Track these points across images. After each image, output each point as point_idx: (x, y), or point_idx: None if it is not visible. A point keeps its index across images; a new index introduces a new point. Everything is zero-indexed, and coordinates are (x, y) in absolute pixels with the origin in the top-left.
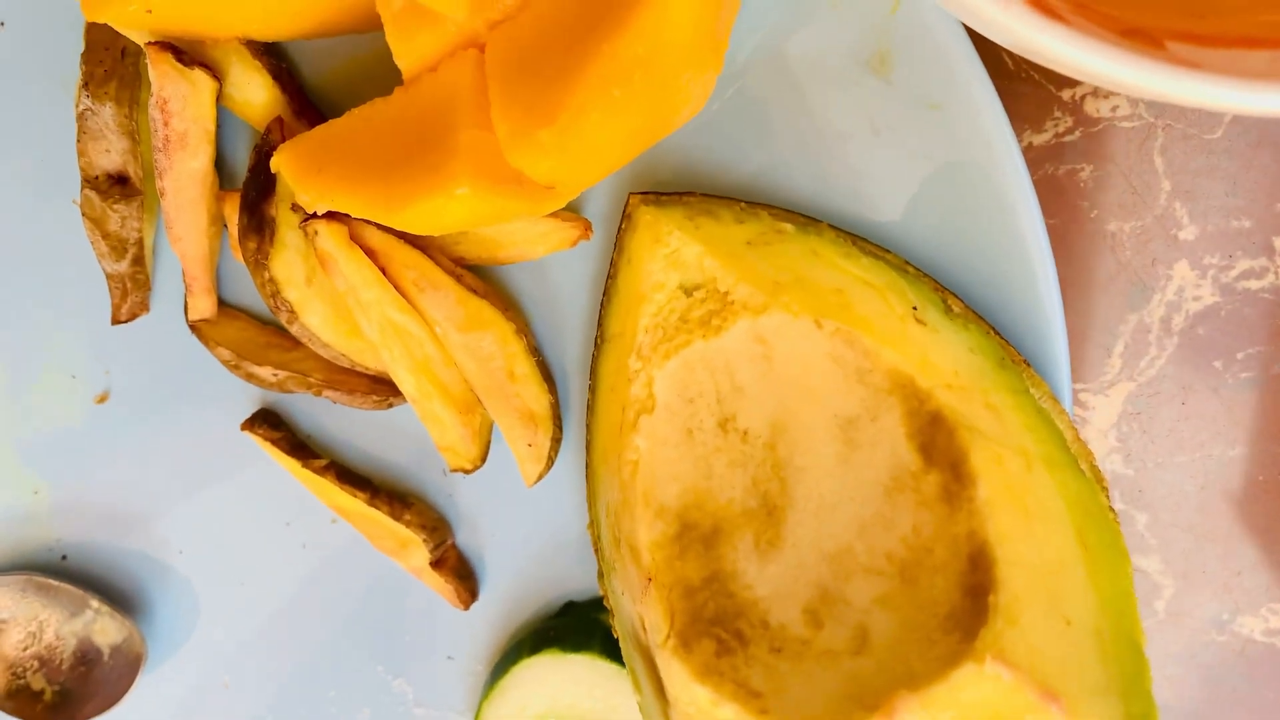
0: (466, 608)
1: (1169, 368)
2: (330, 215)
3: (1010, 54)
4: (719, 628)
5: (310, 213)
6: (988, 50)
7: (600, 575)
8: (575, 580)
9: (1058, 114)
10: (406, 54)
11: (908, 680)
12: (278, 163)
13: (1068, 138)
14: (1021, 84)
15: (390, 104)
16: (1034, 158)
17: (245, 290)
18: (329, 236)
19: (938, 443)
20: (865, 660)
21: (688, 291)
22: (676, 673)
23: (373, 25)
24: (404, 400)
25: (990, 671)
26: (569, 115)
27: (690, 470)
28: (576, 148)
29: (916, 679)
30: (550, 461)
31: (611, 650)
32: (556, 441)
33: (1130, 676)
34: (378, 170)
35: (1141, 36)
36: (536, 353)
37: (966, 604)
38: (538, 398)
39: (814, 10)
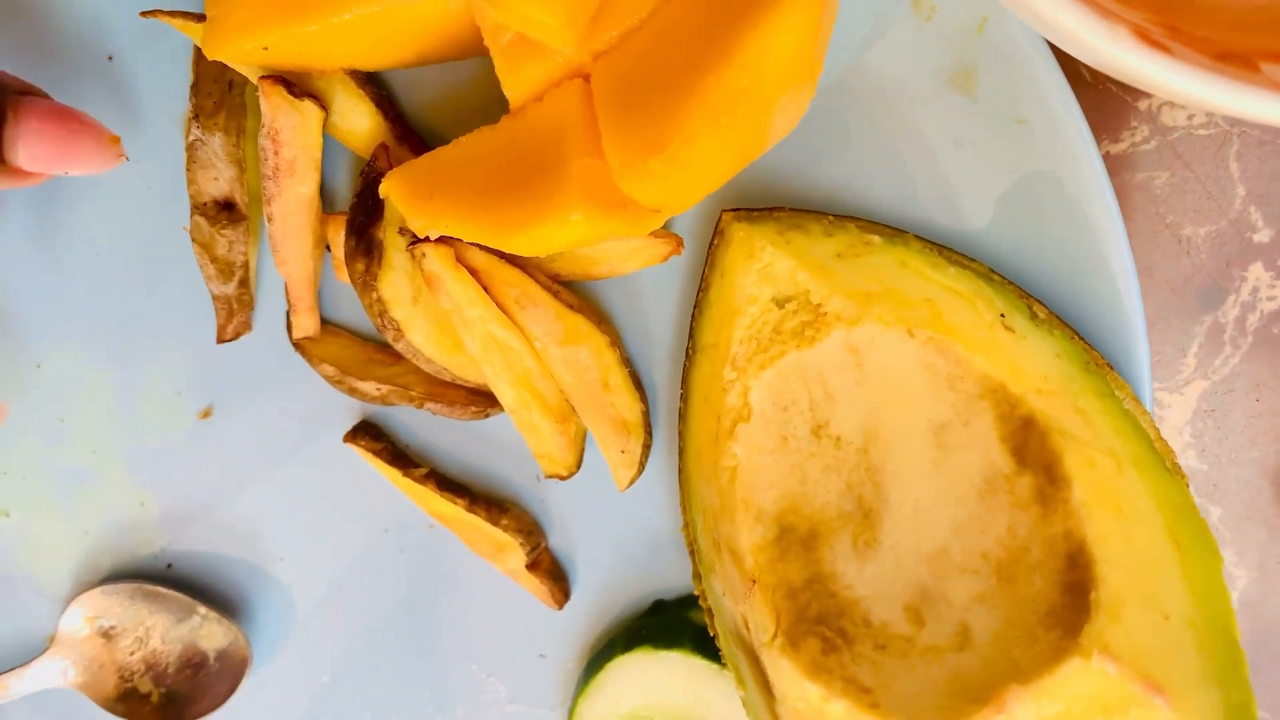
0: (560, 608)
1: (1243, 366)
2: (438, 238)
3: (1088, 65)
4: (823, 626)
5: (418, 236)
6: (1065, 62)
7: (696, 576)
8: (664, 580)
9: (1134, 123)
10: (515, 85)
11: (1012, 675)
12: (387, 189)
13: (1144, 146)
14: (1098, 94)
15: (498, 133)
16: (1111, 166)
17: (344, 308)
18: (436, 259)
19: (1030, 446)
20: (969, 656)
21: (780, 304)
22: (786, 670)
23: (468, 52)
24: (501, 411)
25: (1096, 666)
26: (678, 144)
27: (786, 476)
28: (683, 174)
29: (1022, 673)
30: (641, 467)
31: (702, 647)
32: (647, 448)
33: (1228, 667)
34: (489, 197)
35: (1236, 60)
36: (628, 364)
37: (1065, 601)
38: (630, 406)
39: (899, 30)
